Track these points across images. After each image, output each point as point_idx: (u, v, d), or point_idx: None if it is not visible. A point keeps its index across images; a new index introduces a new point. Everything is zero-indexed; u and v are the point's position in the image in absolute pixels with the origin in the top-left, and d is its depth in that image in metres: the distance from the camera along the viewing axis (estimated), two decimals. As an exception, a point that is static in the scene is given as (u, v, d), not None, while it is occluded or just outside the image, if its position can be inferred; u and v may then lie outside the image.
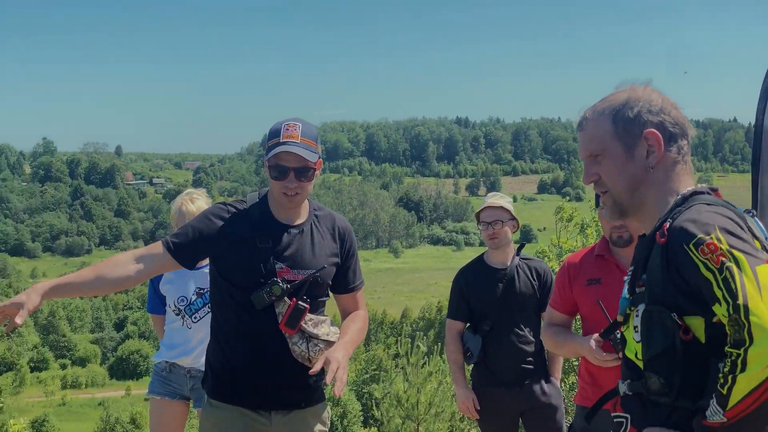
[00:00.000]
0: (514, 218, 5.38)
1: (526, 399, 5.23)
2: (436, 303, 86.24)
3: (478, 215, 5.42)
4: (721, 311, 2.06)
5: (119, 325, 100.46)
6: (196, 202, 4.85)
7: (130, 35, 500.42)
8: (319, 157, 3.57)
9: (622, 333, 2.40)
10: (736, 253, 2.06)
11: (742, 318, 2.00)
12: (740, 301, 2.01)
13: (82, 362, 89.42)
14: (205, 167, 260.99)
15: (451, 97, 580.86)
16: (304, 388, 3.65)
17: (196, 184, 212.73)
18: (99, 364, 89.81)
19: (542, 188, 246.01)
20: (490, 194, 5.55)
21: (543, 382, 5.27)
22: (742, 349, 2.00)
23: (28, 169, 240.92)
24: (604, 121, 2.40)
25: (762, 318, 1.98)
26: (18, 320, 3.08)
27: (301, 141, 3.48)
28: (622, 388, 2.35)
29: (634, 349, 2.29)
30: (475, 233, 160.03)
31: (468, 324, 5.46)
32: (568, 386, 9.47)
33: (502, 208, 5.30)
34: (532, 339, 5.25)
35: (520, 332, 5.23)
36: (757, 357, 1.98)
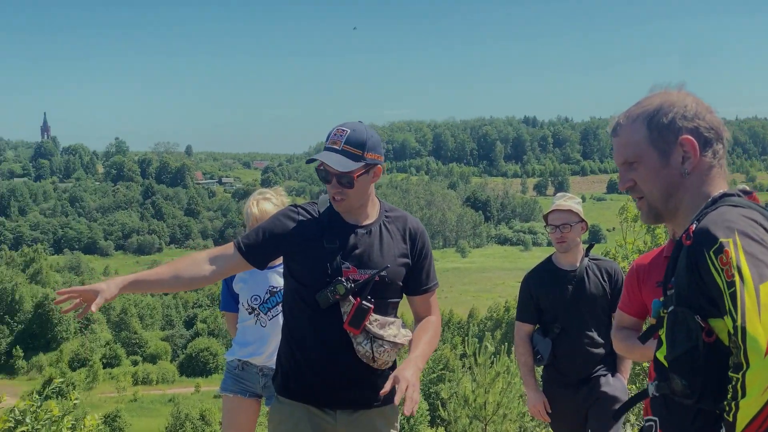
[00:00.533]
0: (582, 220, 5.32)
1: (591, 392, 5.21)
2: (503, 303, 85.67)
3: (546, 217, 5.37)
4: (729, 326, 2.05)
5: (189, 323, 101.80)
6: (269, 201, 4.86)
7: (198, 37, 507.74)
8: (370, 163, 3.55)
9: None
10: (744, 268, 2.02)
11: (740, 340, 1.97)
12: (739, 322, 1.98)
13: (152, 359, 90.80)
14: (274, 167, 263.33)
15: (519, 97, 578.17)
16: (370, 388, 3.63)
17: (265, 183, 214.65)
18: (169, 361, 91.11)
19: (611, 188, 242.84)
20: (558, 195, 5.47)
21: (609, 375, 5.24)
22: (740, 374, 1.97)
23: (101, 169, 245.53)
24: (638, 128, 2.39)
25: (758, 340, 1.94)
26: (93, 307, 3.26)
27: (343, 148, 3.49)
28: (651, 389, 2.35)
29: (663, 350, 2.28)
30: (542, 233, 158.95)
31: (537, 326, 5.42)
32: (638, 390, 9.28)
33: (570, 210, 5.26)
34: (602, 341, 5.21)
35: (590, 334, 5.22)
36: (754, 381, 1.95)
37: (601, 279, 5.28)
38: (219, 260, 3.60)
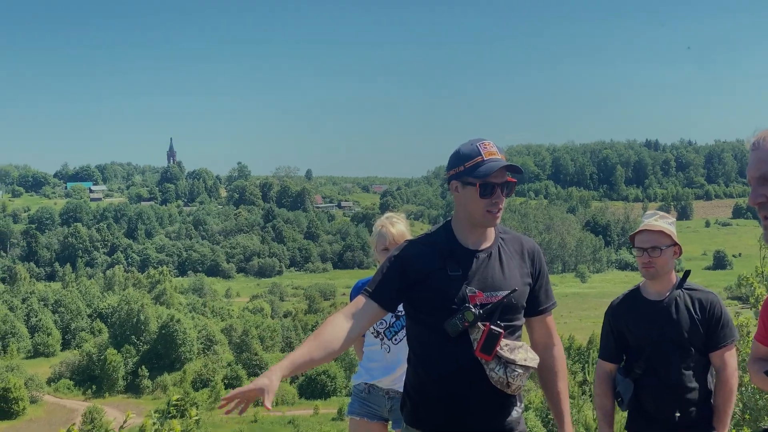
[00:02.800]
0: (675, 243, 4.73)
1: None
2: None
3: (633, 238, 4.83)
4: None
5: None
6: (396, 225, 4.94)
7: (317, 63, 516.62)
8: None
9: None
10: None
11: None
12: None
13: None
14: (392, 191, 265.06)
15: (640, 120, 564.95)
16: (503, 415, 3.60)
17: (384, 207, 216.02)
18: (289, 383, 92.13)
19: (737, 212, 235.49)
20: (648, 213, 4.92)
21: (702, 423, 4.61)
22: None
23: (224, 193, 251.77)
24: None
25: None
26: (267, 404, 3.24)
27: (501, 157, 3.59)
28: None
29: None
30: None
31: (621, 364, 4.87)
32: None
33: (661, 232, 4.70)
34: (695, 384, 4.59)
35: (678, 375, 4.60)
36: None
37: (693, 311, 4.64)
38: (357, 316, 3.59)
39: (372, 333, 4.92)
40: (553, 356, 3.78)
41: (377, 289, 3.63)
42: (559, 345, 3.80)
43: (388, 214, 5.17)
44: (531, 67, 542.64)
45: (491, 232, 3.70)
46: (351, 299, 5.01)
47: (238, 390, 3.32)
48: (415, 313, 3.66)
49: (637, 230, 4.82)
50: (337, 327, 3.57)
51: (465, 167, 3.57)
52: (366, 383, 4.98)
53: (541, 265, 3.77)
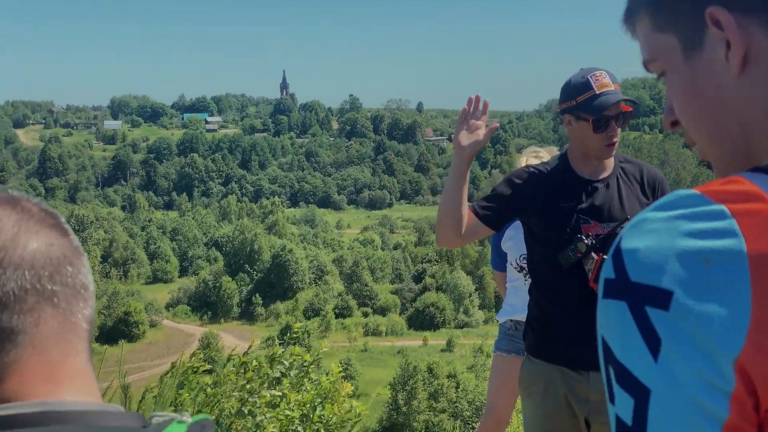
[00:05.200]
0: None
1: None
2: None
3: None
4: None
5: (418, 278, 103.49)
6: (530, 159, 4.74)
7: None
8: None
9: None
10: None
11: None
12: None
13: (382, 311, 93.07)
14: (504, 124, 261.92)
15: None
16: None
17: (494, 141, 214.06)
18: (398, 314, 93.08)
19: None
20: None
21: None
22: None
23: (335, 125, 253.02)
24: None
25: None
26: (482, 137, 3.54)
27: (614, 88, 3.50)
28: None
29: None
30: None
31: None
32: None
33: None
34: None
35: None
36: None
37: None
38: (468, 225, 3.59)
39: (515, 268, 4.87)
40: None
41: (484, 207, 3.61)
42: None
43: (532, 147, 5.01)
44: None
45: (610, 162, 3.62)
46: None
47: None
48: (531, 243, 3.66)
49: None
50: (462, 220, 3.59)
51: (577, 102, 3.48)
52: (512, 320, 4.96)
53: (663, 194, 3.46)
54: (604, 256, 3.34)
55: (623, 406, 0.98)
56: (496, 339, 5.14)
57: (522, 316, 4.68)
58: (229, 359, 5.39)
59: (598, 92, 3.45)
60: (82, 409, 0.96)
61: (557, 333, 3.58)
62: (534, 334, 3.71)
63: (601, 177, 3.58)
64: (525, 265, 4.76)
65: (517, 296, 4.91)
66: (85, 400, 0.99)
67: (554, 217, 3.52)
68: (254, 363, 5.28)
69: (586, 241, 3.42)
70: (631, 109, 3.53)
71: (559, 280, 3.53)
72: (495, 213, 3.60)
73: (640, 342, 0.96)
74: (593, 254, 3.42)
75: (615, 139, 3.50)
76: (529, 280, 4.67)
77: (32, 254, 0.99)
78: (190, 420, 0.97)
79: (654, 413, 0.91)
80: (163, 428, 0.95)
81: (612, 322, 1.05)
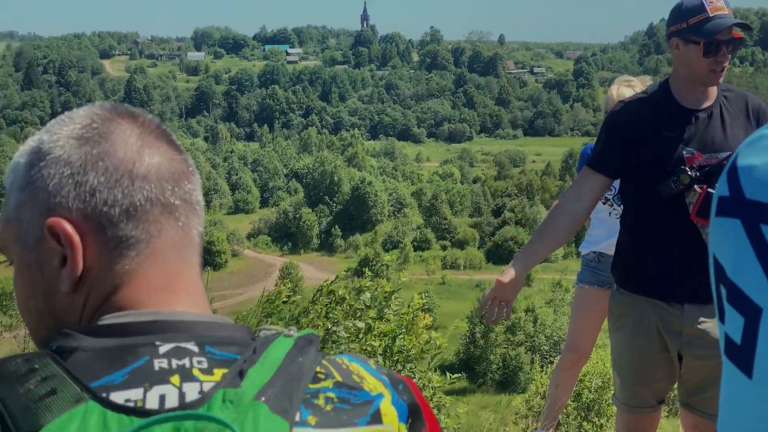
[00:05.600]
0: None
1: None
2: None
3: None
4: None
5: (497, 212, 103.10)
6: (621, 89, 4.63)
7: None
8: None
9: None
10: None
11: None
12: None
13: (461, 245, 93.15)
14: (587, 57, 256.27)
15: None
16: None
17: (577, 74, 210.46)
18: (476, 248, 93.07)
19: None
20: None
21: None
22: None
23: (415, 57, 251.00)
24: None
25: None
26: (503, 279, 3.44)
27: (728, 12, 3.37)
28: None
29: None
30: None
31: None
32: None
33: None
34: None
35: None
36: None
37: None
38: (584, 193, 3.58)
39: (600, 200, 4.73)
40: None
41: (598, 157, 3.56)
42: None
43: (625, 77, 4.89)
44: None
45: (713, 91, 3.50)
46: (578, 165, 4.77)
47: (488, 296, 3.50)
48: (629, 174, 3.57)
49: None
50: (567, 213, 3.59)
51: (688, 24, 3.37)
52: (595, 252, 4.94)
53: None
54: (709, 189, 3.31)
55: (733, 324, 0.97)
56: (578, 272, 5.10)
57: (605, 248, 4.76)
58: (319, 290, 5.49)
59: (711, 15, 3.34)
60: (193, 319, 0.98)
61: (651, 265, 3.53)
62: (625, 265, 3.66)
63: (704, 106, 3.49)
64: (610, 197, 4.75)
65: (601, 227, 4.88)
66: (197, 311, 1.02)
67: (656, 147, 3.46)
68: (340, 293, 5.37)
69: (689, 173, 3.35)
70: (742, 36, 3.43)
71: (657, 212, 3.48)
72: (611, 160, 3.55)
73: (753, 260, 0.94)
74: (696, 187, 3.36)
75: (724, 65, 3.40)
76: (615, 210, 4.72)
77: (156, 167, 1.01)
78: (296, 334, 0.99)
79: (764, 332, 0.90)
80: (270, 341, 0.96)
81: (725, 240, 1.03)
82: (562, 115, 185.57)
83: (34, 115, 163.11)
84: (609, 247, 4.69)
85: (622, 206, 4.59)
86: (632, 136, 3.48)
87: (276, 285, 5.63)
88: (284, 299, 5.43)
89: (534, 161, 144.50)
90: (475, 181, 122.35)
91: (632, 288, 3.61)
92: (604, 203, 4.81)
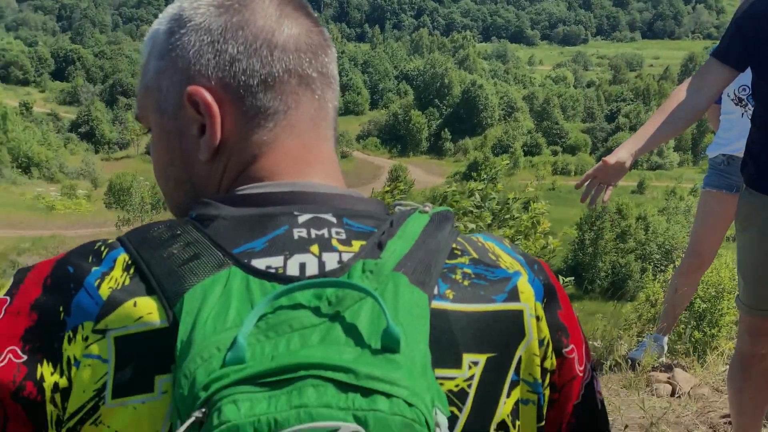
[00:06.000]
0: None
1: None
2: None
3: None
4: None
5: (611, 117, 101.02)
6: None
7: None
8: None
9: None
10: None
11: None
12: None
13: (572, 150, 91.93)
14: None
15: None
16: None
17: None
18: (588, 153, 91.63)
19: None
20: None
21: None
22: None
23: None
24: None
25: None
26: (610, 160, 3.16)
27: None
28: None
29: None
30: None
31: None
32: None
33: None
34: None
35: None
36: None
37: None
38: (705, 84, 3.26)
39: (732, 100, 4.54)
40: None
41: (724, 48, 3.23)
42: None
43: None
44: None
45: None
46: None
47: (589, 173, 3.26)
48: (761, 70, 3.23)
49: None
50: (683, 103, 3.28)
51: None
52: (724, 155, 4.69)
53: None
54: None
55: None
56: (705, 175, 4.91)
57: (736, 150, 4.48)
58: (443, 196, 5.37)
59: None
60: (330, 191, 0.99)
61: None
62: (756, 164, 3.36)
63: None
64: (744, 97, 4.46)
65: (732, 129, 4.61)
66: (332, 184, 1.02)
67: None
68: (454, 197, 5.22)
69: None
70: None
71: None
72: (737, 51, 3.25)
73: None
74: None
75: None
76: (747, 112, 4.41)
77: (296, 38, 1.02)
78: (431, 210, 0.98)
79: None
80: (406, 216, 0.96)
81: None
82: (683, 17, 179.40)
83: (149, 13, 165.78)
84: (739, 149, 4.25)
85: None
86: (765, 32, 3.17)
87: (383, 187, 5.49)
88: (395, 200, 5.27)
89: (651, 65, 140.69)
90: (589, 85, 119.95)
91: (762, 188, 3.33)
92: (737, 104, 4.55)
